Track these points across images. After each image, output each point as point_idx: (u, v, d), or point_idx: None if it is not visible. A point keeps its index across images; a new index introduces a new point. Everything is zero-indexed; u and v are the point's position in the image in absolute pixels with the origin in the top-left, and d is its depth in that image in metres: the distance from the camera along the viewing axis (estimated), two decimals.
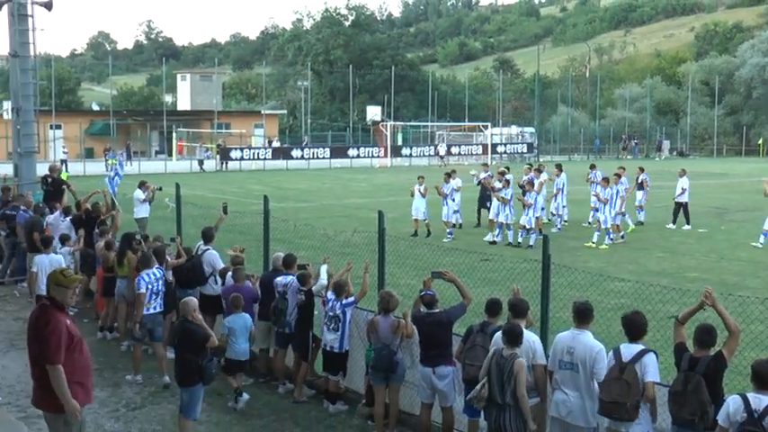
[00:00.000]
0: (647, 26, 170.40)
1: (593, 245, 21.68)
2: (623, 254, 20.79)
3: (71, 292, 6.84)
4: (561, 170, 25.68)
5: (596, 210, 22.76)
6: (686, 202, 25.55)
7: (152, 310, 11.66)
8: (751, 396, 6.33)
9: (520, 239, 22.10)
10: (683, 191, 25.52)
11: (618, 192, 22.74)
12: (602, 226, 21.99)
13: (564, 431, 7.51)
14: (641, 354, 7.05)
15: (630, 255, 20.68)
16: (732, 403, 6.39)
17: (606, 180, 22.86)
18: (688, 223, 25.35)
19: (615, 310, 12.37)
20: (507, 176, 23.05)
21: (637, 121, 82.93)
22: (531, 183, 23.33)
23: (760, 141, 77.40)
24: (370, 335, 9.48)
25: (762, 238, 21.57)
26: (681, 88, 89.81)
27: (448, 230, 23.22)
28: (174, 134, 62.90)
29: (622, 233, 22.83)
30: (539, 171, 25.00)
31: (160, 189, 20.52)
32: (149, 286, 11.50)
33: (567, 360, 7.47)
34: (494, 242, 22.25)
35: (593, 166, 27.15)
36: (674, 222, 25.49)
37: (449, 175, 24.22)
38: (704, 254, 20.82)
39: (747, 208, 29.84)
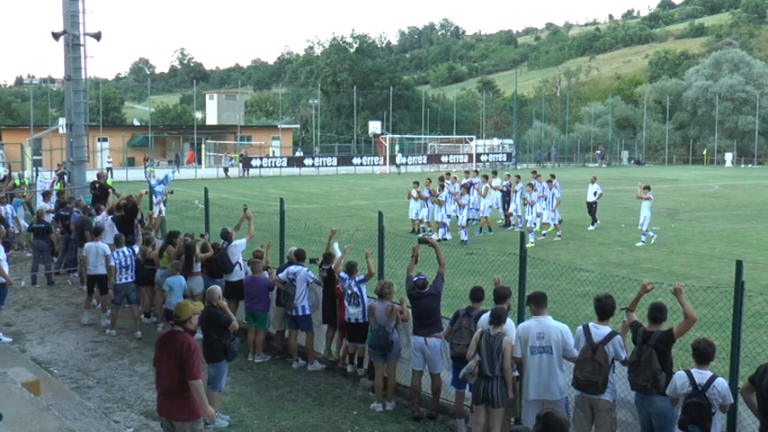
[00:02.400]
0: (609, 53, 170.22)
1: (533, 245, 20.24)
2: (589, 248, 20.74)
3: (198, 316, 7.04)
4: (519, 178, 25.01)
5: (539, 213, 22.26)
6: (594, 203, 24.72)
7: (124, 280, 12.82)
8: (694, 371, 6.38)
9: (448, 236, 21.52)
10: (596, 194, 24.75)
11: (554, 194, 22.43)
12: (528, 225, 21.49)
13: (540, 407, 7.40)
14: (610, 336, 7.04)
15: (595, 249, 20.63)
16: (678, 378, 6.45)
17: (531, 185, 22.32)
18: (593, 224, 24.45)
19: (582, 296, 12.37)
20: (445, 182, 22.81)
21: (600, 135, 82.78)
22: (466, 186, 22.80)
23: (704, 152, 77.85)
24: (370, 318, 9.46)
25: (643, 238, 21.22)
26: (637, 106, 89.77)
27: (427, 228, 23.02)
28: (203, 145, 62.87)
29: (544, 231, 22.19)
30: (486, 177, 24.89)
31: (171, 193, 20.54)
32: (116, 261, 12.76)
33: (538, 345, 7.28)
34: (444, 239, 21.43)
35: (534, 172, 26.70)
36: (593, 223, 24.33)
37: (429, 180, 23.94)
38: (657, 248, 20.77)
39: (693, 209, 29.85)
